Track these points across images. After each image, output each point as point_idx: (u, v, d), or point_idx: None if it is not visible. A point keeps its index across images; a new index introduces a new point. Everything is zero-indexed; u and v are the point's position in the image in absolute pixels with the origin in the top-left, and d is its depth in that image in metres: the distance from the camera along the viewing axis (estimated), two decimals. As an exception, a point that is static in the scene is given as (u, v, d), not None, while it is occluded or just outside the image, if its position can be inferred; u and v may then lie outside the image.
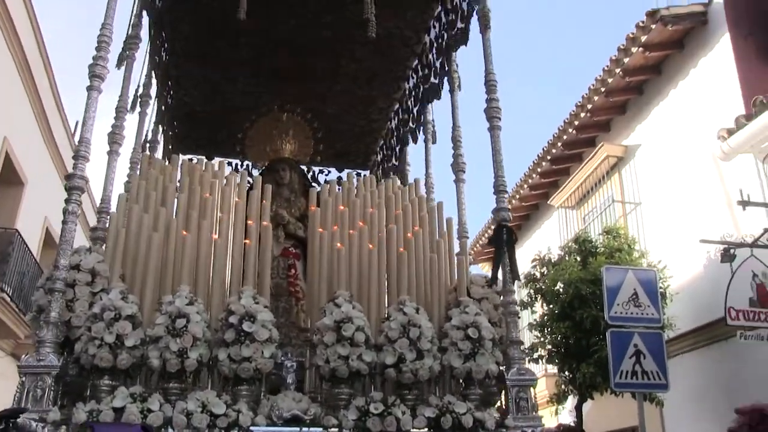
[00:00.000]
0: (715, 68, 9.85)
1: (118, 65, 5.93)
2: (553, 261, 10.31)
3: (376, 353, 4.55)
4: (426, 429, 4.44)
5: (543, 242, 13.58)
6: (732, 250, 7.78)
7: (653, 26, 10.23)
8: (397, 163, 8.48)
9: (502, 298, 5.07)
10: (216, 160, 6.25)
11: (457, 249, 5.81)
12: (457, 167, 6.36)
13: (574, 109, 12.48)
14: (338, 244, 5.14)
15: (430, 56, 7.48)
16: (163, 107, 7.87)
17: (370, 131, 9.01)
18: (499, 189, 5.26)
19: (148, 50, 6.94)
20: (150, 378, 4.45)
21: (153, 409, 4.08)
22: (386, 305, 5.07)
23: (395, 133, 8.71)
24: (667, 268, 9.46)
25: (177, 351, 4.22)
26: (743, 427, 5.81)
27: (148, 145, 7.26)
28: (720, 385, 8.76)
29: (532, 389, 4.74)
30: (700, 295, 9.11)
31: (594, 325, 8.59)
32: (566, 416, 10.77)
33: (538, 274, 10.10)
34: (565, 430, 9.67)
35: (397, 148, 8.58)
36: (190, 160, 6.65)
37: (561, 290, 9.41)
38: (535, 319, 9.93)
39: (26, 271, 13.78)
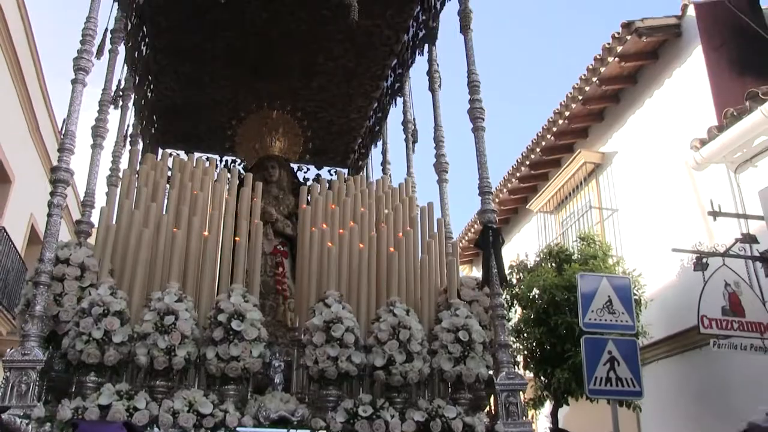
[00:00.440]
0: (689, 79, 9.92)
1: (98, 55, 5.82)
2: (529, 267, 10.26)
3: (366, 355, 4.49)
4: (415, 433, 4.37)
5: (522, 246, 13.48)
6: (704, 260, 7.76)
7: (628, 37, 10.30)
8: (381, 164, 8.41)
9: (490, 300, 5.00)
10: (202, 155, 6.15)
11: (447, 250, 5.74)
12: (440, 167, 6.23)
13: (552, 116, 12.51)
14: (329, 243, 5.07)
15: (406, 55, 7.47)
16: (143, 101, 7.75)
17: (349, 129, 8.94)
18: (483, 190, 5.21)
19: (129, 44, 6.82)
20: (137, 375, 4.37)
21: (139, 407, 3.99)
22: (376, 306, 4.99)
23: (371, 132, 8.66)
24: (642, 276, 9.44)
25: (165, 348, 4.15)
26: None
27: (129, 139, 7.13)
28: (695, 392, 8.75)
29: (521, 394, 4.68)
30: (675, 303, 9.09)
31: (569, 331, 8.53)
32: (543, 421, 10.74)
33: (514, 280, 10.07)
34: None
35: (371, 147, 8.56)
36: (170, 154, 6.55)
37: (536, 296, 9.37)
38: (511, 325, 9.90)
39: (11, 268, 13.59)
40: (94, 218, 5.33)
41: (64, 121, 15.29)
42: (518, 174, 14.16)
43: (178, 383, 4.33)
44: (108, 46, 6.16)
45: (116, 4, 6.38)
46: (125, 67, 6.89)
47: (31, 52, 14.14)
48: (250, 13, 6.96)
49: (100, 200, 5.50)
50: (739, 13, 7.70)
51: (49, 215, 4.50)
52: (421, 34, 7.05)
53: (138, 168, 5.64)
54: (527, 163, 13.75)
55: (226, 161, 8.28)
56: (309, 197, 5.90)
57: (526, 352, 9.45)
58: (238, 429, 4.11)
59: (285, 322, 6.04)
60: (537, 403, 9.61)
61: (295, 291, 5.63)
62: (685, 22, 10.21)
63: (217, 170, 5.99)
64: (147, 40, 7.36)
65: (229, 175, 5.87)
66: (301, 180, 7.76)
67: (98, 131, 5.82)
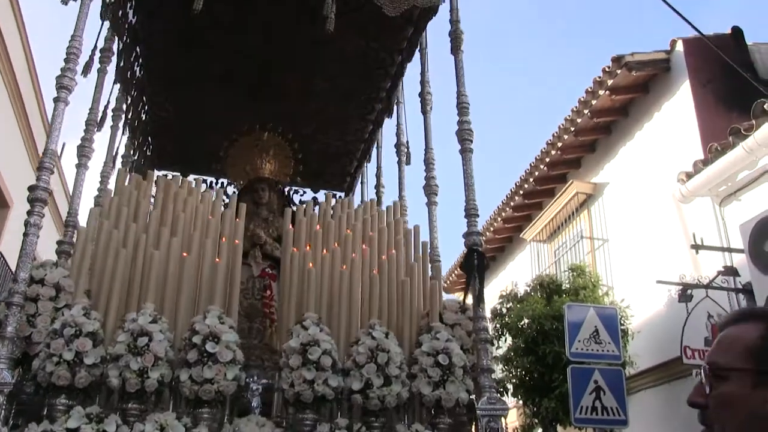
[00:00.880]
0: (678, 113, 10.01)
1: (84, 73, 5.78)
2: (519, 296, 10.28)
3: (343, 378, 4.37)
4: (393, 458, 4.25)
5: (516, 275, 13.53)
6: (689, 291, 7.91)
7: (619, 71, 10.40)
8: (374, 186, 8.33)
9: (473, 324, 4.88)
10: (191, 177, 6.08)
11: (430, 273, 5.64)
12: (429, 190, 6.15)
13: (545, 147, 12.59)
14: (309, 264, 4.97)
15: (401, 78, 7.42)
16: (137, 122, 7.70)
17: (346, 152, 8.86)
18: (470, 213, 5.05)
19: (121, 64, 6.79)
20: (109, 398, 4.26)
21: (109, 431, 3.88)
22: (358, 328, 4.88)
23: (369, 154, 8.56)
24: (630, 307, 9.47)
25: (137, 370, 4.04)
26: None
27: (121, 160, 7.08)
28: (681, 421, 8.61)
29: (503, 419, 4.54)
30: (662, 334, 9.07)
31: (556, 360, 8.54)
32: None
33: (504, 310, 10.04)
34: None
35: (365, 169, 8.49)
36: (165, 176, 6.48)
37: (525, 325, 9.37)
38: (501, 354, 9.85)
39: (10, 292, 13.50)
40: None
41: (63, 145, 15.23)
42: (512, 203, 14.26)
43: (153, 406, 4.22)
44: (96, 65, 6.11)
45: (107, 23, 6.35)
46: (116, 88, 6.84)
47: (31, 76, 14.17)
48: (246, 35, 6.92)
49: (84, 220, 5.43)
50: (720, 53, 7.81)
51: (25, 234, 4.41)
52: (411, 57, 7.00)
53: (122, 189, 5.57)
54: (521, 192, 13.85)
55: (222, 183, 8.20)
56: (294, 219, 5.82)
57: (515, 381, 9.44)
58: (211, 453, 4.01)
59: (272, 345, 5.93)
60: (527, 431, 9.56)
61: (277, 313, 5.53)
62: (674, 57, 10.38)
63: (203, 191, 5.92)
64: (140, 61, 7.33)
65: (213, 196, 5.79)
66: (296, 203, 7.67)
67: (83, 151, 5.79)
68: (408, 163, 7.31)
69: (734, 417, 1.43)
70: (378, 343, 4.40)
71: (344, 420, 4.29)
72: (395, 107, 7.69)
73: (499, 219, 14.89)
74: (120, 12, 6.51)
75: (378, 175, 8.19)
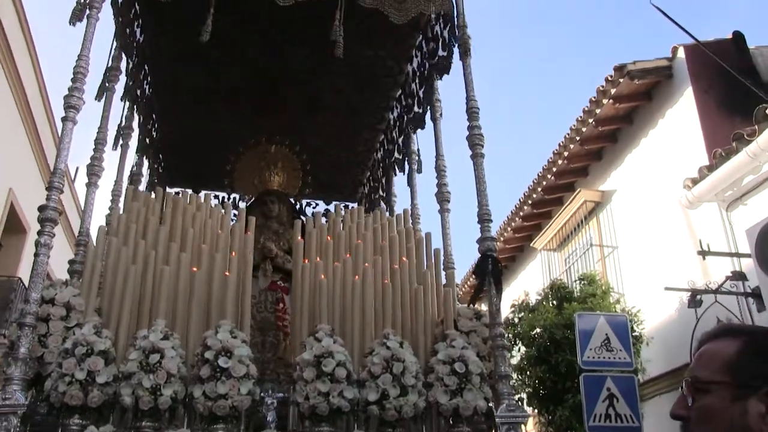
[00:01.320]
0: (682, 119, 10.05)
1: (98, 97, 5.75)
2: (530, 306, 10.40)
3: (359, 389, 4.29)
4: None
5: (528, 284, 13.61)
6: (698, 297, 7.97)
7: (621, 80, 10.47)
8: (384, 194, 8.26)
9: (489, 330, 4.80)
10: (202, 193, 6.03)
11: (444, 281, 5.55)
12: (441, 197, 6.11)
13: (552, 156, 12.67)
14: (321, 275, 4.90)
15: (413, 86, 7.31)
16: (147, 140, 7.67)
17: (357, 163, 8.80)
18: (483, 218, 5.00)
19: (129, 83, 6.76)
20: (123, 417, 4.19)
21: (123, 450, 3.83)
22: (372, 339, 4.80)
23: (381, 164, 8.51)
24: (641, 312, 9.53)
25: (150, 388, 3.98)
26: None
27: (132, 178, 7.05)
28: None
29: (523, 427, 4.45)
30: (674, 339, 9.06)
31: (569, 369, 8.58)
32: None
33: (516, 319, 10.01)
34: None
35: (383, 180, 8.39)
36: (177, 193, 6.44)
37: (537, 335, 9.46)
38: (514, 363, 9.83)
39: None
40: (88, 258, 5.20)
41: (77, 169, 15.28)
42: (521, 213, 14.37)
43: (167, 424, 4.15)
44: (106, 85, 6.10)
45: (115, 42, 6.34)
46: (125, 106, 6.82)
47: (43, 101, 14.27)
48: (252, 50, 6.89)
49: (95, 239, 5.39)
50: (719, 60, 7.83)
51: (36, 255, 4.36)
52: (427, 65, 6.91)
53: (131, 206, 5.53)
54: (530, 202, 13.95)
55: (234, 199, 8.16)
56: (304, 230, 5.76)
57: (529, 390, 9.45)
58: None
59: (286, 359, 5.85)
60: None
61: (290, 325, 5.46)
62: (676, 64, 10.46)
63: (213, 206, 5.88)
64: (149, 79, 7.30)
65: (222, 211, 5.74)
66: (306, 214, 7.61)
67: (93, 170, 5.76)
68: (419, 171, 7.25)
69: (715, 428, 1.50)
70: (393, 353, 4.32)
71: (361, 432, 4.21)
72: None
73: (509, 229, 14.95)
74: (128, 30, 6.50)
75: (389, 185, 8.13)
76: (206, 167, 8.35)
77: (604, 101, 10.91)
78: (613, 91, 10.67)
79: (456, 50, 5.96)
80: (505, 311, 9.73)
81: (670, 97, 10.47)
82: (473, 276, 5.43)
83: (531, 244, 14.82)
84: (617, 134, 11.88)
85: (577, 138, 11.77)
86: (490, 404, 4.56)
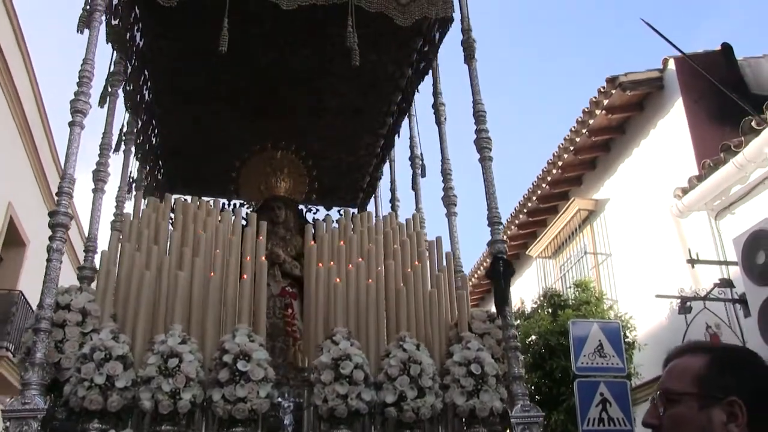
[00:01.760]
0: (673, 130, 10.26)
1: (101, 103, 5.74)
2: (526, 314, 10.68)
3: (376, 392, 4.30)
4: (429, 470, 4.17)
5: (524, 292, 13.77)
6: (688, 303, 8.20)
7: (613, 91, 10.67)
8: (390, 200, 8.26)
9: (502, 332, 4.81)
10: (210, 199, 6.01)
11: (456, 283, 5.56)
12: (448, 200, 6.10)
13: (546, 166, 12.87)
14: (336, 279, 4.91)
15: (413, 89, 7.36)
16: (147, 146, 7.64)
17: (358, 167, 8.75)
18: (493, 221, 5.04)
19: (130, 87, 6.74)
20: (142, 421, 4.18)
21: (144, 454, 3.81)
22: (386, 342, 4.81)
23: (382, 169, 8.49)
24: (634, 319, 9.72)
25: (169, 392, 3.98)
26: None
27: (134, 183, 7.01)
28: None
29: (538, 427, 4.46)
30: (666, 345, 9.01)
31: (563, 374, 8.76)
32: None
33: None
34: None
35: (377, 183, 8.43)
36: (185, 200, 6.40)
37: (533, 342, 9.67)
38: None
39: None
40: (97, 263, 5.18)
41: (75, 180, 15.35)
42: (517, 221, 14.55)
43: (185, 427, 4.14)
44: (108, 91, 6.08)
45: (114, 47, 6.32)
46: (126, 111, 6.80)
47: (41, 115, 14.29)
48: (253, 53, 6.87)
49: (103, 245, 5.37)
50: (706, 74, 8.02)
51: (48, 260, 4.35)
52: (422, 66, 6.95)
53: (140, 212, 5.51)
54: (525, 210, 14.15)
55: (235, 205, 8.10)
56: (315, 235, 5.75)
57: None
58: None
59: (296, 363, 5.85)
60: None
61: (303, 330, 5.46)
62: (666, 75, 10.68)
63: (222, 212, 5.87)
64: (149, 83, 7.28)
65: (233, 216, 5.73)
66: (309, 220, 7.58)
67: (99, 175, 5.73)
68: (423, 175, 7.25)
69: None
70: (410, 355, 4.34)
71: (379, 434, 4.21)
72: (407, 120, 7.66)
73: (505, 237, 14.96)
74: (128, 35, 6.48)
75: (393, 189, 8.12)
76: (206, 173, 8.31)
77: (597, 112, 11.11)
78: (605, 102, 10.87)
79: (445, 53, 5.98)
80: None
81: (662, 108, 10.67)
82: (485, 278, 5.45)
83: (526, 252, 14.98)
84: (610, 144, 12.06)
85: (571, 148, 11.96)
86: (505, 405, 4.57)
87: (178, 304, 4.58)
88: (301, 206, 7.55)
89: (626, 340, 8.54)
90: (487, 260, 15.60)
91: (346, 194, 9.04)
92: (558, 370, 8.92)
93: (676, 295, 8.46)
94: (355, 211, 8.39)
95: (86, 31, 5.13)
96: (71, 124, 4.77)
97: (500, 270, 4.83)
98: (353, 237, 5.51)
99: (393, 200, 8.02)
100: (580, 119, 11.47)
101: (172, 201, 5.84)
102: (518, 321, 10.26)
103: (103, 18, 5.31)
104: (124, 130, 6.68)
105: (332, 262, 5.16)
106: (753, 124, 7.78)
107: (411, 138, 7.56)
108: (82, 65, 4.95)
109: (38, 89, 13.99)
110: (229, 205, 7.95)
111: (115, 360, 4.04)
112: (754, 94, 9.42)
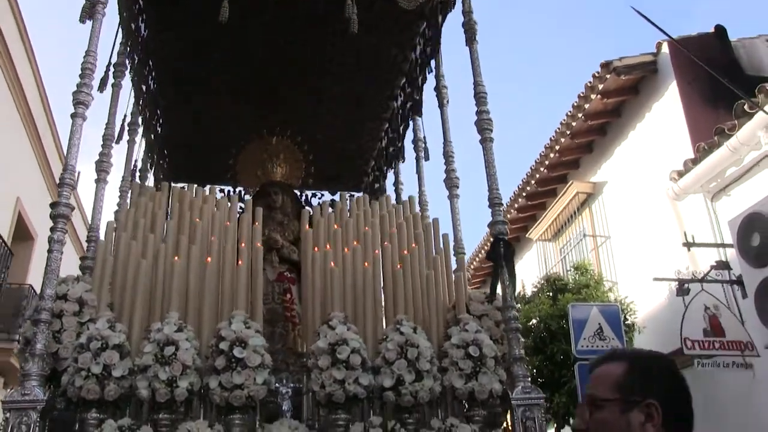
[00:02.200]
0: (667, 113, 10.28)
1: (101, 89, 5.69)
2: (526, 297, 10.77)
3: (374, 376, 4.28)
4: (429, 453, 4.15)
5: (524, 275, 13.62)
6: (685, 285, 8.17)
7: (608, 76, 10.70)
8: (382, 183, 8.22)
9: (502, 313, 4.77)
10: (207, 186, 5.97)
11: (454, 266, 5.53)
12: (450, 183, 6.05)
13: (544, 150, 12.90)
14: (331, 263, 4.88)
15: (416, 73, 7.24)
16: (152, 135, 7.59)
17: (361, 153, 8.66)
18: (494, 202, 4.99)
19: (135, 78, 6.70)
20: (140, 409, 4.19)
21: (142, 442, 3.80)
22: (384, 325, 4.78)
23: (386, 153, 8.44)
24: (634, 302, 9.74)
25: (166, 380, 3.97)
26: None
27: (138, 174, 6.98)
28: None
29: (539, 409, 4.42)
30: (665, 327, 9.20)
31: (564, 357, 8.85)
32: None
33: None
34: None
35: (386, 168, 8.34)
36: (183, 188, 6.37)
37: (534, 326, 9.73)
38: None
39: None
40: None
41: (78, 173, 15.37)
42: (516, 205, 14.56)
43: (183, 415, 4.13)
44: (111, 80, 6.04)
45: (120, 37, 6.28)
46: (131, 101, 6.77)
47: (45, 109, 14.25)
48: (255, 42, 6.80)
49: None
50: (696, 59, 7.95)
51: (49, 251, 4.33)
52: (428, 50, 6.86)
53: (136, 200, 5.49)
54: (524, 194, 14.17)
55: (239, 192, 8.05)
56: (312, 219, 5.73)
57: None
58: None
59: (295, 349, 5.84)
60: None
61: (301, 315, 5.44)
62: (660, 59, 10.68)
63: (218, 198, 5.84)
64: (154, 74, 7.22)
65: (229, 203, 5.69)
66: (313, 205, 7.53)
67: (102, 166, 5.72)
68: (427, 158, 7.19)
69: None
70: (407, 339, 4.31)
71: (378, 418, 4.21)
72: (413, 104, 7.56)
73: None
74: (132, 26, 6.43)
75: (396, 173, 8.09)
76: (211, 161, 8.23)
77: (592, 96, 11.12)
78: (600, 86, 10.88)
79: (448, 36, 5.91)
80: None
81: (656, 91, 10.68)
82: (486, 259, 5.40)
83: (527, 235, 14.98)
84: (606, 127, 12.08)
85: (568, 132, 11.98)
86: (505, 387, 4.54)
87: (174, 292, 4.56)
88: (305, 192, 7.53)
89: (626, 323, 8.60)
90: (488, 243, 15.65)
91: (351, 179, 8.91)
92: (559, 353, 8.98)
93: (674, 277, 8.46)
94: (360, 195, 8.35)
95: (89, 24, 5.09)
96: (74, 116, 4.74)
97: (501, 251, 4.79)
98: (349, 221, 5.48)
99: (396, 183, 7.99)
100: (576, 104, 11.49)
101: (169, 189, 5.81)
102: (519, 305, 10.27)
103: (106, 10, 5.25)
104: (128, 120, 6.64)
105: (328, 246, 5.12)
106: (746, 107, 7.77)
107: (414, 121, 7.49)
108: (84, 57, 4.92)
109: (41, 81, 13.96)
110: (234, 192, 7.91)
111: (111, 349, 4.03)
112: (748, 76, 9.42)
